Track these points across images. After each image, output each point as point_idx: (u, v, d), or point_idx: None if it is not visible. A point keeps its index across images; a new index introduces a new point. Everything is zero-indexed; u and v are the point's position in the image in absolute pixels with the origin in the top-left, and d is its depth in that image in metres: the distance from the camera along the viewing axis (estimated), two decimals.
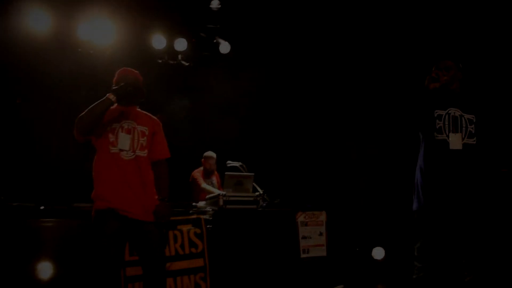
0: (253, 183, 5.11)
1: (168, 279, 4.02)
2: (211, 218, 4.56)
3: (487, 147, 3.23)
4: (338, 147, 7.17)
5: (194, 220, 4.41)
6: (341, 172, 7.10)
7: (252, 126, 7.78)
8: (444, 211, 3.07)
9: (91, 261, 3.60)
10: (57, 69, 6.37)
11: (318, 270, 4.82)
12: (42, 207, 4.22)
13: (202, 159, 6.11)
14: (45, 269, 3.86)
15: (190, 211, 4.63)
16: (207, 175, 6.04)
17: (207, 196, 5.06)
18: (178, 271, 4.15)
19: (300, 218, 4.92)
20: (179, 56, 7.40)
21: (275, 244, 4.72)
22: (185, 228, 4.31)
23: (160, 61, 7.27)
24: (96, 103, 3.04)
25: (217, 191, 5.31)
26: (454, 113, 3.23)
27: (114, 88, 3.10)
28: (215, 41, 7.41)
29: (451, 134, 3.15)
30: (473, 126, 3.22)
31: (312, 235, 4.92)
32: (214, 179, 6.09)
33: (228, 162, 5.54)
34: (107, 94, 3.06)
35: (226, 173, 5.01)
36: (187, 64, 7.46)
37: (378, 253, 5.76)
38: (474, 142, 3.18)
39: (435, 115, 3.22)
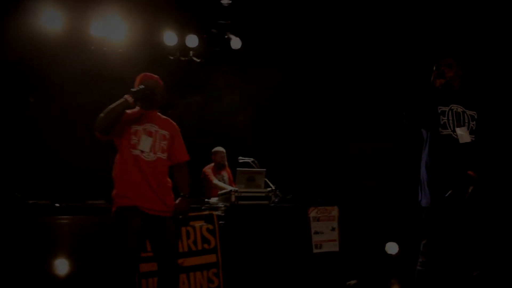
0: (265, 179, 5.12)
1: (181, 275, 4.06)
2: (223, 214, 4.57)
3: (486, 144, 3.26)
4: (350, 141, 7.15)
5: (207, 216, 4.43)
6: (354, 166, 7.07)
7: (264, 122, 7.78)
8: (452, 207, 3.09)
9: (107, 256, 3.67)
10: (70, 67, 6.44)
11: (330, 265, 4.81)
12: (57, 205, 4.30)
13: (212, 155, 6.13)
14: (60, 265, 3.93)
15: (203, 207, 4.64)
16: (218, 169, 6.05)
17: (219, 192, 5.08)
18: (191, 267, 4.19)
19: (312, 213, 4.91)
20: (191, 53, 7.42)
21: (287, 239, 4.73)
22: (197, 224, 4.34)
23: (171, 57, 7.29)
24: (113, 104, 3.13)
25: (229, 187, 5.32)
26: (457, 109, 3.29)
27: (132, 90, 3.18)
28: (226, 37, 7.40)
29: (458, 129, 3.20)
30: (474, 122, 3.27)
31: (325, 230, 4.91)
32: (226, 174, 6.10)
33: (240, 158, 5.55)
34: (125, 96, 3.14)
35: (238, 169, 5.02)
36: (198, 60, 7.47)
37: (392, 248, 5.74)
38: (474, 139, 3.23)
39: (439, 111, 3.27)
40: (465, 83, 3.37)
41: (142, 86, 3.20)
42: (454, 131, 3.23)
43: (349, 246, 4.98)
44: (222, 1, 6.90)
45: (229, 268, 4.37)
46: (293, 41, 7.36)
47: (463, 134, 3.19)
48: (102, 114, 3.13)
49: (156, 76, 3.41)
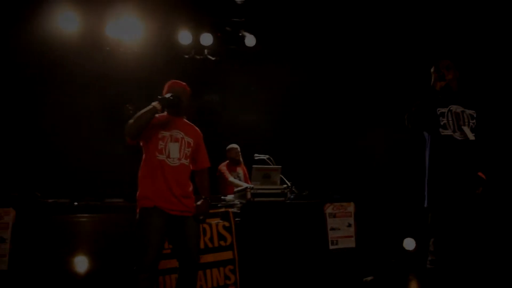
0: (281, 176, 5.13)
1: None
2: (239, 211, 4.60)
3: (486, 142, 3.32)
4: (366, 137, 7.10)
5: (223, 214, 4.47)
6: (370, 162, 7.03)
7: (280, 119, 7.78)
8: (454, 205, 3.16)
9: (126, 254, 3.74)
10: (87, 68, 6.55)
11: (347, 262, 4.80)
12: (76, 203, 4.37)
13: (226, 152, 6.17)
14: (80, 263, 4.00)
15: (219, 205, 4.67)
16: (232, 165, 6.08)
17: (235, 189, 5.10)
18: (208, 263, 4.23)
19: (328, 209, 4.91)
20: (205, 51, 7.47)
21: (303, 236, 4.74)
22: (213, 221, 4.37)
23: (186, 56, 7.35)
24: (142, 110, 3.26)
25: (244, 184, 5.35)
26: (456, 109, 3.36)
27: (160, 97, 3.30)
28: (240, 34, 7.42)
29: (464, 127, 3.27)
30: (474, 121, 3.34)
31: (341, 226, 4.90)
32: (241, 171, 6.12)
33: (256, 155, 5.58)
34: (153, 103, 3.26)
35: (253, 166, 5.04)
36: (213, 58, 7.52)
37: (410, 244, 5.71)
38: (474, 137, 3.28)
39: (438, 113, 3.34)
40: (462, 83, 3.43)
41: (169, 95, 3.31)
42: (454, 131, 3.30)
43: (365, 242, 4.97)
44: None
45: (246, 264, 4.40)
46: (307, 37, 7.34)
47: (467, 133, 3.26)
48: (131, 120, 3.27)
49: (183, 83, 3.53)
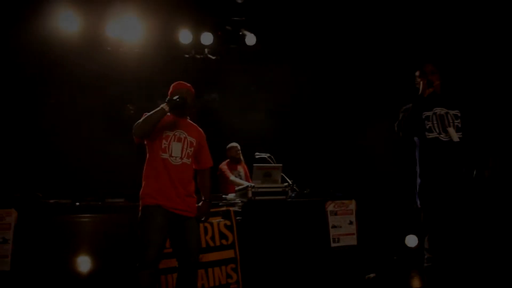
0: (282, 174, 5.13)
1: (199, 271, 4.13)
2: (240, 210, 4.61)
3: (473, 140, 3.38)
4: (367, 134, 7.09)
5: (224, 212, 4.48)
6: (371, 159, 7.02)
7: (281, 117, 7.79)
8: (443, 204, 3.26)
9: (127, 254, 3.76)
10: (87, 68, 6.56)
11: (349, 259, 4.80)
12: (77, 204, 4.38)
13: (226, 151, 6.18)
14: (81, 263, 4.02)
15: (220, 204, 4.68)
16: (233, 163, 6.09)
17: (236, 188, 5.11)
18: (209, 262, 4.24)
19: (330, 207, 4.91)
20: (206, 50, 7.47)
21: (305, 234, 4.74)
22: (215, 220, 4.38)
23: (187, 56, 7.35)
24: (151, 112, 3.36)
25: (245, 183, 5.35)
26: (440, 111, 3.43)
27: (168, 99, 3.40)
28: (241, 33, 7.42)
29: (449, 129, 3.35)
30: (459, 120, 3.41)
31: (342, 224, 4.90)
32: (242, 170, 6.13)
33: (257, 153, 5.58)
34: (162, 105, 3.36)
35: (254, 164, 5.04)
36: (214, 57, 7.52)
37: (412, 240, 5.69)
38: (461, 136, 3.35)
39: (423, 117, 3.43)
40: (444, 84, 3.49)
41: (177, 97, 3.40)
42: (440, 133, 3.38)
43: (367, 240, 4.97)
44: None
45: (248, 263, 4.40)
46: (307, 36, 7.34)
47: (452, 134, 3.34)
48: (140, 121, 3.37)
49: (188, 84, 3.63)
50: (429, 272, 3.27)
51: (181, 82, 3.64)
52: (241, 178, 5.94)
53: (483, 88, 5.71)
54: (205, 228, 4.30)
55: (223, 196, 5.08)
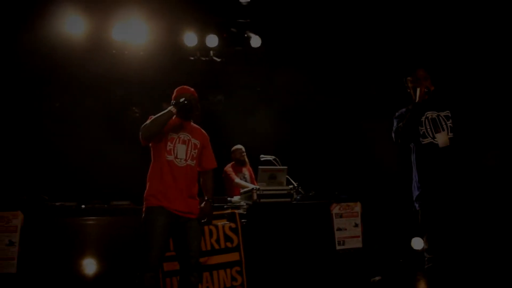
0: (287, 176, 5.12)
1: (204, 273, 4.16)
2: (245, 213, 4.60)
3: (465, 138, 3.40)
4: (373, 137, 7.08)
5: (229, 215, 4.48)
6: (376, 161, 7.00)
7: (286, 119, 7.78)
8: (439, 208, 3.29)
9: (133, 256, 3.76)
10: (93, 71, 6.60)
11: (354, 262, 4.79)
12: (83, 206, 4.40)
13: (231, 154, 6.18)
14: (87, 265, 4.03)
15: (225, 206, 4.68)
16: (238, 166, 6.09)
17: (241, 191, 5.11)
18: (214, 265, 4.24)
19: (335, 209, 4.90)
20: (211, 52, 7.49)
21: (310, 236, 4.73)
22: (220, 223, 4.38)
23: (192, 58, 7.37)
24: (159, 114, 3.41)
25: (250, 186, 5.35)
26: (431, 115, 3.45)
27: (174, 102, 3.44)
28: (246, 35, 7.42)
29: (437, 135, 3.37)
30: (450, 121, 3.41)
31: (347, 226, 4.89)
32: (247, 172, 6.12)
33: (262, 156, 5.58)
34: (169, 107, 3.41)
35: (259, 167, 5.04)
36: (219, 60, 7.53)
37: (418, 243, 5.68)
38: (453, 135, 3.37)
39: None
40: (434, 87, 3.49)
41: (183, 99, 3.44)
42: (433, 137, 3.40)
43: (373, 242, 4.96)
44: (241, 0, 6.92)
45: (252, 266, 4.40)
46: (313, 38, 7.33)
47: (441, 139, 3.36)
48: (148, 123, 3.43)
49: (192, 89, 3.67)
50: (431, 272, 3.30)
51: (184, 86, 3.67)
52: (246, 181, 5.93)
53: (474, 84, 5.70)
54: (210, 231, 4.30)
55: (228, 198, 5.08)
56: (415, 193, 3.45)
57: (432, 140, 3.39)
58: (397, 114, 3.59)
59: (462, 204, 3.27)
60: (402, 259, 5.36)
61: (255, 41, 7.39)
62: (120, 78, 6.92)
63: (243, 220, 4.51)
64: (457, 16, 6.03)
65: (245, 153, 6.15)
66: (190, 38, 7.09)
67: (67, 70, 6.60)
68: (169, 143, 3.47)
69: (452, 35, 6.08)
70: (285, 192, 4.91)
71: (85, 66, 6.60)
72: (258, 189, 4.76)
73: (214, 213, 4.25)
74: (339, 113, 7.69)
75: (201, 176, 3.72)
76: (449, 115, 3.43)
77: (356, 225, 4.92)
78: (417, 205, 3.45)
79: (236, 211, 4.54)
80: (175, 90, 3.66)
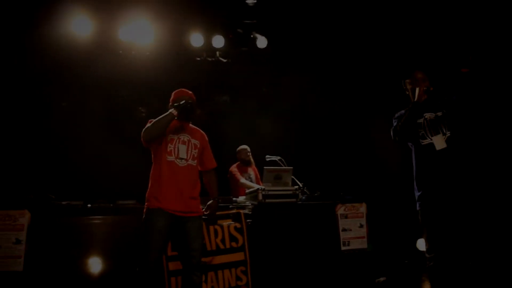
0: (292, 177, 5.13)
1: (209, 273, 4.17)
2: (250, 213, 4.62)
3: (460, 136, 3.44)
4: (378, 137, 7.07)
5: (234, 215, 4.49)
6: (381, 162, 6.99)
7: (291, 120, 7.79)
8: (438, 208, 3.34)
9: (136, 254, 3.79)
10: (100, 71, 6.63)
11: (359, 263, 4.79)
12: (89, 205, 4.43)
13: (236, 154, 6.19)
14: (93, 264, 4.06)
15: (230, 206, 4.70)
16: (243, 166, 6.10)
17: (247, 191, 5.12)
18: (219, 265, 4.25)
19: (340, 210, 4.90)
20: (217, 53, 7.50)
21: (315, 237, 4.74)
22: (225, 223, 4.40)
23: (198, 59, 7.39)
24: (160, 117, 3.49)
25: (256, 186, 5.36)
26: (430, 116, 3.50)
27: (176, 105, 3.52)
28: (252, 36, 7.43)
29: (433, 138, 3.43)
30: (448, 121, 3.45)
31: (353, 227, 4.89)
32: (252, 173, 6.13)
33: (267, 156, 5.59)
34: (170, 110, 3.50)
35: (265, 167, 5.05)
36: (225, 60, 7.54)
37: (423, 244, 5.64)
38: (450, 134, 3.42)
39: (416, 123, 3.50)
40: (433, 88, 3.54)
41: (184, 101, 3.52)
42: (432, 139, 3.45)
43: (377, 243, 4.95)
44: (247, 1, 6.93)
45: (257, 266, 4.41)
46: (319, 38, 7.33)
47: (437, 142, 3.41)
48: (149, 126, 3.50)
49: (190, 91, 3.73)
50: (431, 271, 3.34)
51: (182, 89, 3.74)
52: (251, 181, 5.94)
53: (474, 83, 5.72)
54: (216, 231, 4.32)
55: (234, 198, 5.09)
56: (417, 193, 3.50)
57: (431, 141, 3.44)
58: (396, 115, 3.65)
59: (460, 204, 3.31)
60: (407, 260, 5.35)
61: (261, 42, 7.39)
62: (126, 78, 6.94)
63: (248, 220, 4.52)
64: (456, 18, 6.01)
65: (250, 153, 6.17)
66: (196, 39, 7.10)
67: (74, 70, 6.64)
68: (169, 145, 3.53)
69: (452, 37, 6.06)
70: (291, 192, 4.93)
71: (91, 66, 6.63)
72: (264, 190, 4.78)
73: (220, 213, 4.33)
74: (344, 113, 7.68)
75: (204, 177, 3.81)
76: (446, 115, 3.46)
77: (361, 226, 4.92)
78: (418, 205, 3.49)
79: (242, 211, 4.56)
80: (173, 93, 3.73)
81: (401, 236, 5.38)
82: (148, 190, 3.52)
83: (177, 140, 3.57)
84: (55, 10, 6.23)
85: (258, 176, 6.06)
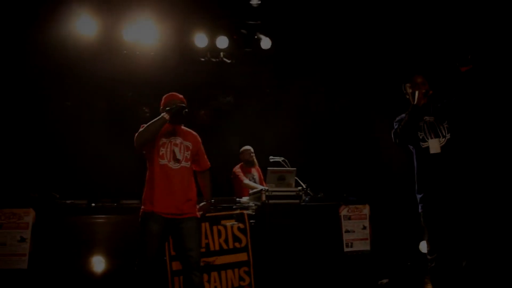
0: (296, 178, 5.13)
1: (212, 273, 4.20)
2: (254, 213, 4.63)
3: (460, 138, 3.46)
4: (382, 139, 7.07)
5: (238, 215, 4.50)
6: (385, 164, 6.99)
7: (295, 121, 7.78)
8: (438, 210, 3.36)
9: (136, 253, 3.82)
10: (104, 71, 6.64)
11: (362, 264, 4.79)
12: (93, 205, 4.45)
13: (240, 155, 6.20)
14: (97, 262, 4.08)
15: (234, 207, 4.71)
16: (247, 166, 6.10)
17: (250, 192, 5.13)
18: (223, 265, 4.27)
19: (343, 211, 4.91)
20: (221, 54, 7.50)
21: (318, 238, 4.74)
22: (228, 223, 4.41)
23: (202, 59, 7.40)
24: (152, 121, 3.51)
25: (259, 187, 5.36)
26: (429, 119, 3.54)
27: (167, 109, 3.54)
28: (256, 37, 7.44)
29: (429, 141, 3.46)
30: (446, 122, 3.48)
31: (356, 228, 4.90)
32: (256, 173, 6.13)
33: (271, 157, 5.59)
34: (162, 114, 3.53)
35: (268, 168, 5.05)
36: (229, 61, 7.55)
37: (426, 246, 5.64)
38: (450, 137, 3.44)
39: (416, 126, 3.53)
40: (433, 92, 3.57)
41: (176, 105, 3.56)
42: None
43: (381, 245, 4.95)
44: (251, 2, 6.94)
45: (260, 266, 4.42)
46: (323, 39, 7.33)
47: (432, 145, 3.44)
48: (141, 130, 3.51)
49: (181, 95, 3.75)
50: (433, 273, 3.37)
51: (173, 93, 3.76)
52: (255, 182, 5.95)
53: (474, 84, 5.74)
54: (219, 231, 4.34)
55: (237, 199, 5.10)
56: (418, 196, 3.53)
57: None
58: (397, 118, 3.67)
59: (461, 206, 3.32)
60: (410, 262, 5.34)
61: (265, 42, 7.39)
62: (130, 78, 6.96)
63: (251, 221, 4.54)
64: (456, 18, 6.01)
65: (253, 154, 6.17)
66: (200, 39, 7.11)
67: (78, 70, 6.65)
68: (161, 148, 3.56)
69: (452, 37, 6.06)
70: (294, 193, 4.93)
71: (96, 66, 6.64)
72: (267, 190, 4.79)
73: (223, 213, 4.43)
74: (348, 115, 7.68)
75: (198, 178, 3.87)
76: (446, 117, 3.48)
77: (364, 228, 4.92)
78: (420, 208, 3.51)
79: (245, 211, 4.57)
80: (163, 97, 3.76)
81: (404, 238, 5.36)
82: (144, 193, 3.57)
83: (169, 144, 3.60)
84: (60, 10, 6.24)
85: (262, 176, 6.07)
